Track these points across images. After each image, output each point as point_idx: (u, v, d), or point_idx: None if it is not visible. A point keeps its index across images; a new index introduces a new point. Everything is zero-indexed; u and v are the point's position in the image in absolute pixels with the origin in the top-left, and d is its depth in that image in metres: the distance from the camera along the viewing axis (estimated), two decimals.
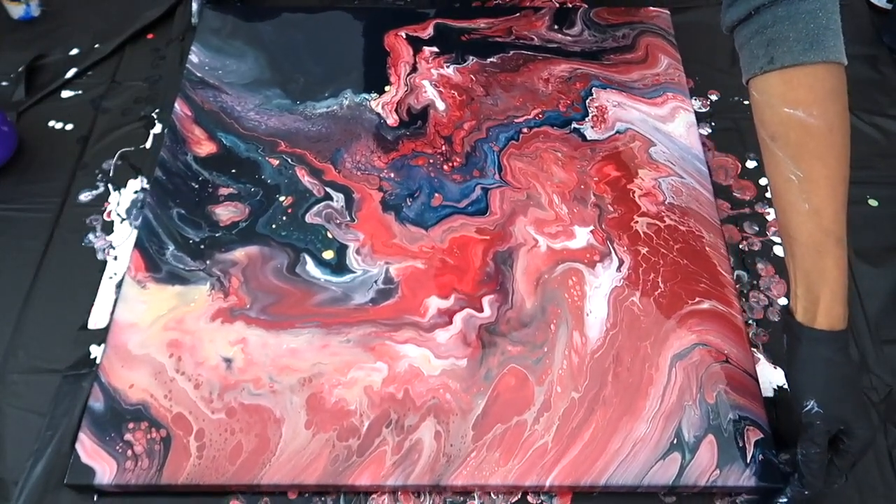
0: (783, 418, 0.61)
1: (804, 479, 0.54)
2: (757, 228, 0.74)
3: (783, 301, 0.69)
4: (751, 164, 0.78)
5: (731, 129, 0.81)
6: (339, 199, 0.73)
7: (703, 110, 0.83)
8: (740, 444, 0.59)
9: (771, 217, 0.74)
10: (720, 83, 0.85)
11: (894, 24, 0.89)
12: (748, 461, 0.58)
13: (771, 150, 0.56)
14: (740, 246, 0.72)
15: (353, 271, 0.68)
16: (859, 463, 0.55)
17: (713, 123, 0.82)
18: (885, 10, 0.92)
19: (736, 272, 0.70)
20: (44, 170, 0.78)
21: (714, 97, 0.84)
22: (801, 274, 0.55)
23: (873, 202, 0.76)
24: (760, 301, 0.69)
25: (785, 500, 0.56)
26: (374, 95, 0.81)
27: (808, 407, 0.53)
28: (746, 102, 0.83)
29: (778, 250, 0.72)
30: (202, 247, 0.69)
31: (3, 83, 0.86)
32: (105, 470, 0.57)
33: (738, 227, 0.74)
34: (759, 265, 0.71)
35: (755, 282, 0.70)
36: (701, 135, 0.80)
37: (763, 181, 0.77)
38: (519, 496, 0.58)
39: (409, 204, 0.72)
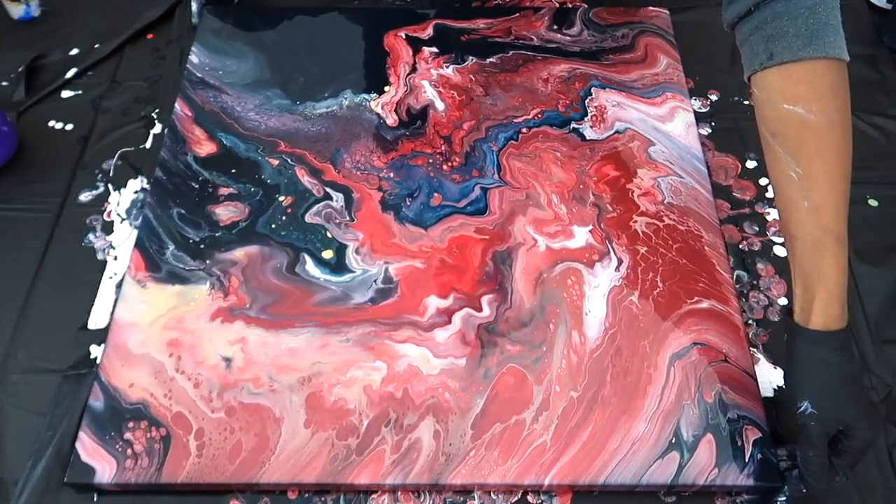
0: (783, 418, 0.61)
1: (805, 480, 0.54)
2: (757, 228, 0.74)
3: (783, 301, 0.69)
4: (751, 164, 0.78)
5: (731, 129, 0.81)
6: (338, 199, 0.73)
7: (703, 110, 0.83)
8: (739, 444, 0.59)
9: (771, 217, 0.74)
10: (720, 83, 0.85)
11: (894, 24, 0.89)
12: (746, 460, 0.58)
13: (772, 146, 0.55)
14: (740, 246, 0.72)
15: (353, 271, 0.68)
16: (860, 462, 0.54)
17: (713, 123, 0.82)
18: (885, 10, 0.92)
19: (736, 272, 0.70)
20: (44, 170, 0.78)
21: (714, 97, 0.84)
22: (800, 272, 0.54)
23: (873, 202, 0.76)
24: (760, 301, 0.69)
25: (784, 498, 0.56)
26: (373, 95, 0.82)
27: (803, 408, 0.53)
28: (746, 102, 0.84)
29: (778, 250, 0.72)
30: (202, 246, 0.70)
31: (3, 83, 0.86)
32: (105, 469, 0.57)
33: (738, 227, 0.74)
34: (759, 265, 0.71)
35: (755, 282, 0.70)
36: (701, 135, 0.80)
37: (763, 181, 0.77)
38: (519, 496, 0.58)
39: (409, 204, 0.73)
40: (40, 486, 0.58)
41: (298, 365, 0.62)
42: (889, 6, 0.92)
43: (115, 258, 0.71)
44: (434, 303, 0.66)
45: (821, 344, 0.53)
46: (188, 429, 0.59)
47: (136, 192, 0.76)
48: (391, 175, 0.75)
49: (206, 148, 0.77)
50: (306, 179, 0.74)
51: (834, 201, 0.52)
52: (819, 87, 0.52)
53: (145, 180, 0.77)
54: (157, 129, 0.81)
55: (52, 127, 0.82)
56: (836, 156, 0.52)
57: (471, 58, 0.85)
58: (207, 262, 0.68)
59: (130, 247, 0.70)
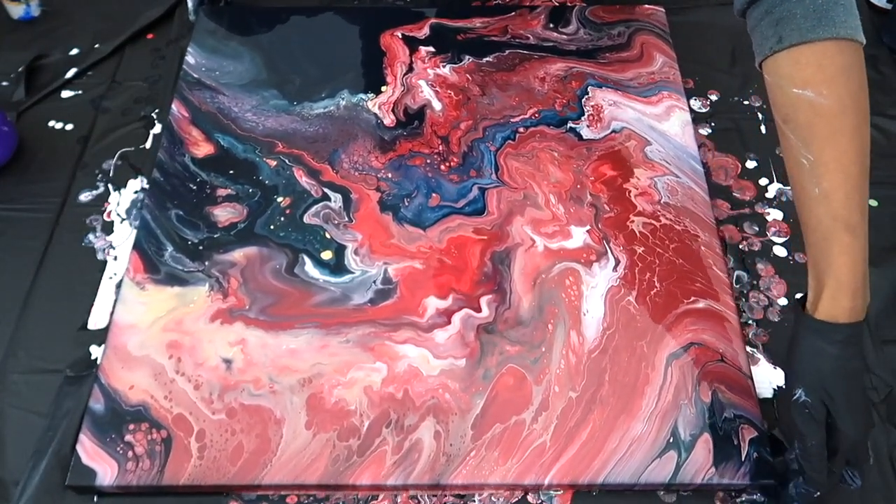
0: (783, 414, 0.61)
1: (807, 475, 0.53)
2: (757, 228, 0.74)
3: (783, 301, 0.69)
4: (751, 164, 0.78)
5: (731, 129, 0.81)
6: (336, 200, 0.73)
7: (703, 110, 0.83)
8: (735, 443, 0.59)
9: (771, 217, 0.74)
10: (720, 83, 0.85)
11: (894, 24, 0.89)
12: (743, 459, 0.58)
13: (784, 133, 0.54)
14: (740, 246, 0.72)
15: (352, 272, 0.68)
16: (858, 464, 0.53)
17: (713, 123, 0.82)
18: (885, 10, 0.92)
19: (736, 272, 0.70)
20: (44, 170, 0.78)
21: (714, 97, 0.84)
22: (812, 261, 0.53)
23: (873, 202, 0.76)
24: (760, 301, 0.69)
25: None
26: (370, 96, 0.82)
27: (796, 396, 0.52)
28: (746, 102, 0.84)
29: (778, 250, 0.72)
30: (201, 248, 0.70)
31: (3, 83, 0.86)
32: (106, 471, 0.58)
33: (738, 227, 0.74)
34: (759, 265, 0.71)
35: (755, 282, 0.70)
36: (701, 135, 0.80)
37: (763, 181, 0.77)
38: (519, 497, 0.58)
39: (407, 204, 0.73)
40: (41, 487, 0.58)
41: (299, 366, 0.63)
42: (889, 6, 0.92)
43: (115, 258, 0.71)
44: (433, 303, 0.66)
45: (822, 335, 0.52)
46: (189, 430, 0.59)
47: (136, 192, 0.76)
48: (389, 175, 0.75)
49: (203, 149, 0.77)
50: (304, 180, 0.74)
51: (845, 189, 0.51)
52: (829, 70, 0.51)
53: (145, 180, 0.77)
54: (157, 129, 0.82)
55: (52, 127, 0.82)
56: (848, 141, 0.51)
57: (467, 57, 0.85)
58: (206, 263, 0.69)
59: (130, 247, 0.70)
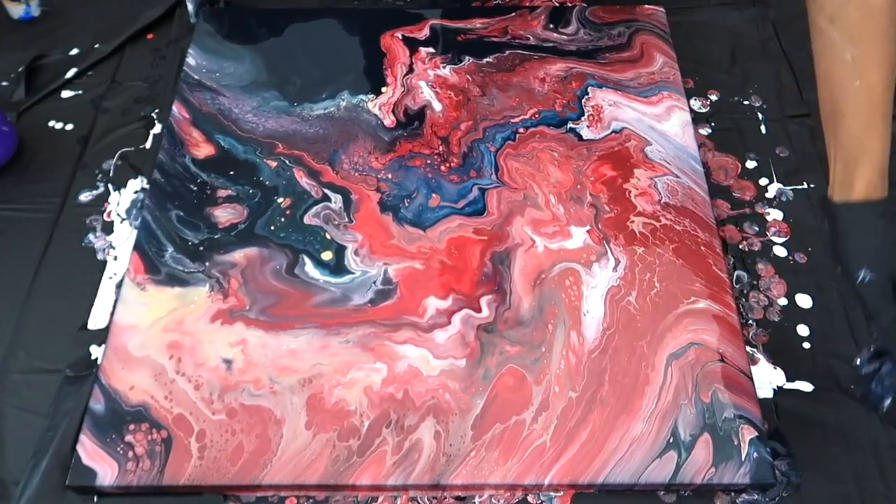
0: (785, 417, 0.62)
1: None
2: (757, 228, 0.74)
3: (783, 301, 0.69)
4: (751, 164, 0.78)
5: (731, 130, 0.81)
6: (336, 201, 0.73)
7: (703, 110, 0.83)
8: (735, 443, 0.59)
9: (771, 217, 0.74)
10: (720, 83, 0.85)
11: None
12: (743, 459, 0.58)
13: (826, 35, 0.55)
14: (740, 246, 0.72)
15: (352, 272, 0.68)
16: None
17: (713, 124, 0.82)
18: None
19: (736, 272, 0.70)
20: (44, 170, 0.78)
21: (714, 97, 0.84)
22: (841, 151, 0.55)
23: None
24: (760, 301, 0.69)
25: (889, 400, 0.51)
26: (370, 97, 0.82)
27: (861, 277, 0.53)
28: (746, 102, 0.83)
29: (778, 250, 0.72)
30: (201, 248, 0.70)
31: (3, 83, 0.86)
32: (106, 471, 0.58)
33: (738, 227, 0.74)
34: (759, 265, 0.71)
35: (755, 282, 0.70)
36: (701, 135, 0.80)
37: (763, 181, 0.77)
38: (520, 497, 0.59)
39: (407, 205, 0.73)
40: (41, 487, 0.59)
41: (299, 366, 0.63)
42: None
43: (115, 258, 0.72)
44: (433, 304, 0.66)
45: (863, 212, 0.54)
46: (189, 431, 0.59)
47: (136, 192, 0.76)
48: (389, 176, 0.75)
49: (204, 150, 0.77)
50: (304, 181, 0.75)
51: (885, 82, 0.53)
52: None
53: (145, 180, 0.77)
54: (157, 129, 0.82)
55: (52, 127, 0.82)
56: (892, 41, 0.53)
57: (467, 58, 0.85)
58: (207, 264, 0.69)
59: (130, 247, 0.70)
